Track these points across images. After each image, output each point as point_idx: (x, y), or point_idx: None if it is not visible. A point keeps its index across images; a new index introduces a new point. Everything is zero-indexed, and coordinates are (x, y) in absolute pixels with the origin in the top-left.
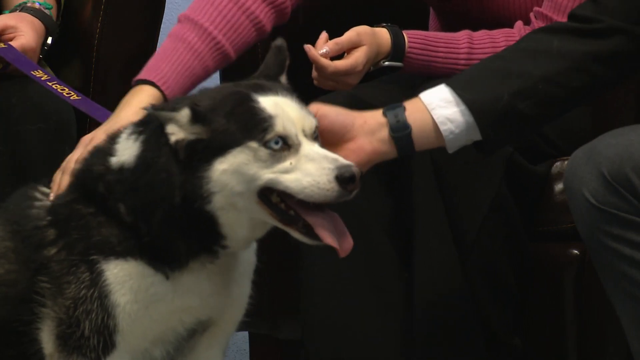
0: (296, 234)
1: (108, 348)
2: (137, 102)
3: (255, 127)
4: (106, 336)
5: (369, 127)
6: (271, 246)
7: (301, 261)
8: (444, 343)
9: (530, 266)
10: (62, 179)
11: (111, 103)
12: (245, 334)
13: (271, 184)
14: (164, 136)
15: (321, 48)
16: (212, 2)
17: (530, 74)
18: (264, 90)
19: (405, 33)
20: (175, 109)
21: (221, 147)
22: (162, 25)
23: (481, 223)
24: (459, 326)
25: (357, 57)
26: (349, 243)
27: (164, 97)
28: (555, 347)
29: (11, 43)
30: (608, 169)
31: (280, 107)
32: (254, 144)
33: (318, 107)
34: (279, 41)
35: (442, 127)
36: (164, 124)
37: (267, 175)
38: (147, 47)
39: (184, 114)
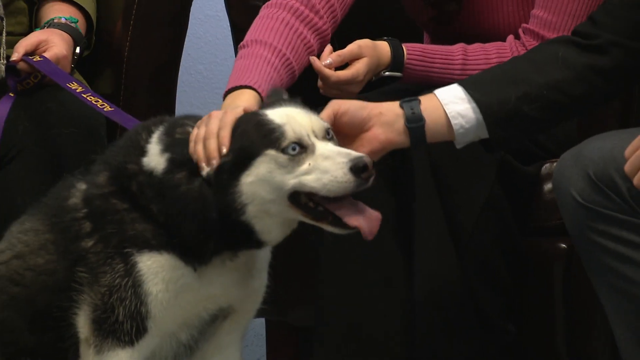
0: (328, 227)
1: (140, 332)
2: (243, 101)
3: (268, 136)
4: (139, 321)
5: (385, 118)
6: (286, 242)
7: (315, 256)
8: (443, 329)
9: (522, 259)
10: (210, 145)
11: (139, 109)
12: (263, 320)
13: (297, 188)
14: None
15: (325, 59)
16: (270, 27)
17: (536, 81)
18: (272, 105)
19: (404, 46)
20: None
21: (244, 161)
22: (186, 39)
23: (476, 219)
24: (456, 313)
25: (358, 68)
26: (375, 224)
27: (261, 98)
28: (546, 332)
29: (45, 54)
30: (594, 170)
31: (287, 115)
32: (272, 152)
33: (340, 104)
34: (278, 89)
35: (453, 121)
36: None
37: (292, 180)
38: (172, 59)
39: None
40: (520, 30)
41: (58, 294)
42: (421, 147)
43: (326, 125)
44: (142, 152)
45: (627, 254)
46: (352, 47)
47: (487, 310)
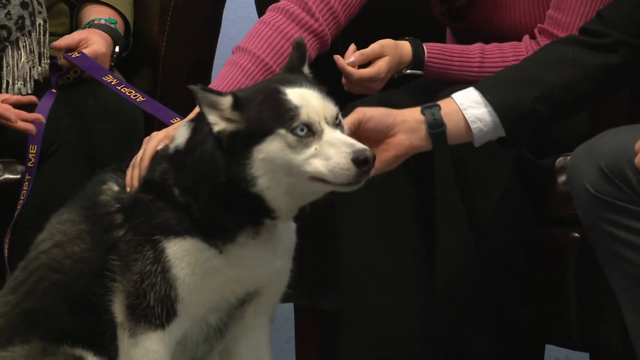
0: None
1: (171, 316)
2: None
3: (283, 115)
4: (169, 305)
5: (409, 125)
6: (312, 227)
7: (339, 243)
8: (461, 314)
9: (537, 248)
10: (133, 174)
11: (175, 105)
12: (291, 305)
13: (312, 174)
14: (209, 125)
15: (349, 58)
16: (260, 34)
17: (548, 82)
18: (291, 83)
19: (425, 45)
20: (221, 93)
21: (256, 136)
22: (219, 39)
23: (494, 210)
24: (474, 299)
25: (380, 67)
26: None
27: None
28: (559, 317)
29: (84, 51)
30: (605, 163)
31: (305, 98)
32: (282, 131)
33: (365, 111)
34: (299, 38)
35: (472, 126)
36: (207, 114)
37: (303, 164)
38: (206, 57)
39: (228, 100)
40: (536, 30)
41: (94, 281)
42: (443, 150)
43: (337, 111)
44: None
45: (637, 242)
46: (375, 46)
47: (503, 296)
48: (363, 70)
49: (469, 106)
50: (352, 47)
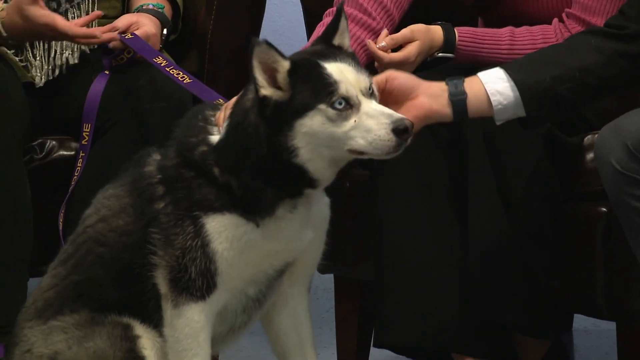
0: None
1: (211, 288)
2: None
3: (323, 91)
4: (209, 278)
5: (432, 90)
6: (352, 199)
7: (377, 216)
8: (494, 284)
9: (567, 221)
10: (225, 114)
11: (221, 86)
12: (331, 276)
13: (350, 147)
14: (249, 100)
15: (380, 42)
16: None
17: (570, 64)
18: (327, 57)
19: (456, 29)
20: (283, 55)
21: (299, 110)
22: (263, 22)
23: (525, 185)
24: (507, 270)
25: (409, 51)
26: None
27: None
28: (587, 288)
29: (136, 32)
30: (631, 141)
31: (343, 73)
32: (323, 106)
33: (392, 72)
34: (339, 5)
35: (492, 98)
36: (256, 74)
37: (339, 134)
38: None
39: (287, 64)
40: (563, 15)
41: (137, 253)
42: (462, 119)
43: (371, 81)
44: (204, 131)
45: None
46: (405, 31)
47: (534, 267)
48: (393, 54)
49: (491, 81)
50: (384, 32)
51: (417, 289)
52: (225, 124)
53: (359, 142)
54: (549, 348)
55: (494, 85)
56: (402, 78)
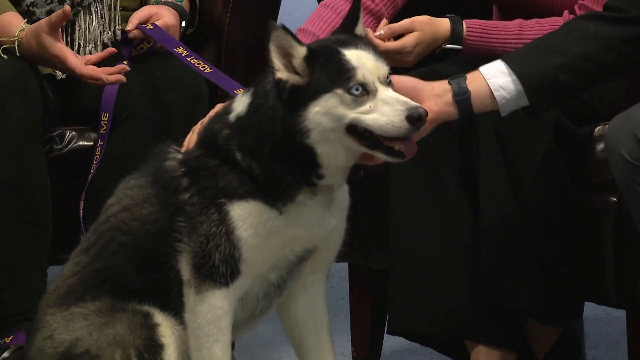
0: (380, 155)
1: (234, 274)
2: None
3: (341, 76)
4: (233, 265)
5: (436, 91)
6: (366, 189)
7: (391, 205)
8: (505, 272)
9: (577, 210)
10: (191, 138)
11: (237, 77)
12: (346, 264)
13: (355, 122)
14: (270, 83)
15: (379, 31)
16: (321, 16)
17: (571, 52)
18: (347, 44)
19: (465, 22)
20: (300, 42)
21: (315, 93)
22: (278, 16)
23: (535, 174)
24: (517, 258)
25: (406, 41)
26: (412, 151)
27: None
28: (597, 275)
29: (156, 23)
30: None
31: (361, 60)
32: (339, 91)
33: (392, 77)
34: None
35: (496, 93)
36: (273, 57)
37: (352, 115)
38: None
39: (303, 50)
40: (576, 7)
41: (161, 241)
42: (468, 117)
43: (388, 70)
44: (226, 114)
45: None
46: (406, 21)
47: (544, 255)
48: (389, 43)
49: (494, 76)
50: (384, 21)
51: (429, 278)
52: (246, 102)
53: (367, 122)
54: (559, 335)
55: (497, 80)
56: (404, 81)
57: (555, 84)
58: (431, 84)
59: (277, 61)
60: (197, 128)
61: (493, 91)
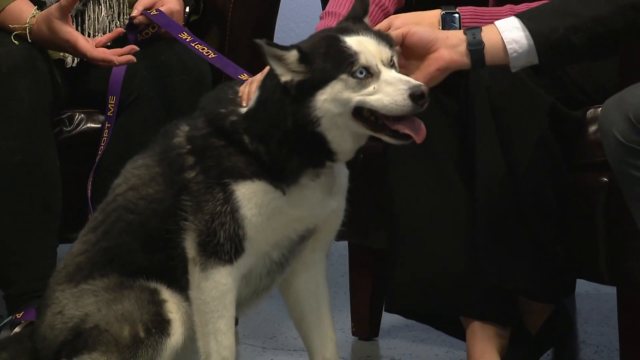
0: (385, 138)
1: (238, 252)
2: None
3: (344, 62)
4: (237, 243)
5: (450, 41)
6: (365, 172)
7: (390, 187)
8: (501, 251)
9: (570, 190)
10: (250, 89)
11: (241, 61)
12: (346, 243)
13: (360, 104)
14: (277, 78)
15: None
16: (342, 3)
17: (583, 14)
18: (349, 31)
19: (458, 8)
20: (287, 47)
21: (321, 83)
22: (280, 2)
23: (530, 156)
24: (513, 236)
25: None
26: (423, 134)
27: None
28: (589, 253)
29: (161, 9)
30: (633, 114)
31: (363, 44)
32: (344, 76)
33: (409, 27)
34: None
35: (508, 46)
36: (273, 66)
37: (357, 97)
38: (268, 18)
39: (293, 54)
40: None
41: (166, 219)
42: (481, 68)
43: (392, 53)
44: (233, 103)
45: None
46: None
47: (539, 235)
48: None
49: (507, 30)
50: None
51: (425, 257)
52: (256, 95)
53: (372, 103)
54: (552, 311)
55: (510, 34)
56: (420, 33)
57: (566, 44)
58: (446, 33)
59: (277, 68)
60: (257, 78)
61: (506, 44)
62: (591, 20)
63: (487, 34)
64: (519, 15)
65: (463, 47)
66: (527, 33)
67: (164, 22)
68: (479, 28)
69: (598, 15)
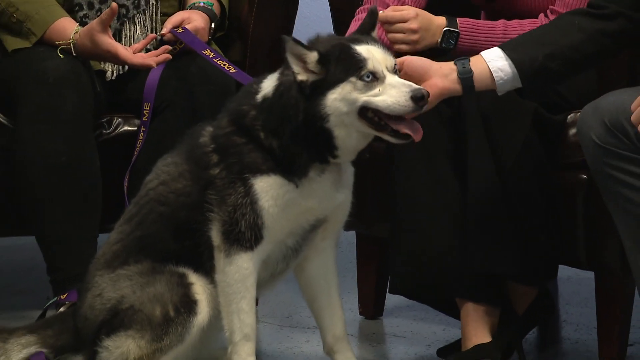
0: (387, 137)
1: (258, 239)
2: None
3: (354, 66)
4: (256, 231)
5: (442, 70)
6: (371, 169)
7: (392, 181)
8: (491, 241)
9: (552, 187)
10: None
11: (260, 73)
12: (354, 232)
13: (366, 104)
14: (292, 75)
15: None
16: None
17: (559, 42)
18: (359, 41)
19: (458, 19)
20: (309, 47)
21: (332, 84)
22: (296, 18)
23: (516, 156)
24: (501, 227)
25: (407, 11)
26: (420, 134)
27: None
28: (570, 242)
29: (187, 27)
30: (608, 119)
31: (370, 52)
32: (353, 79)
33: (405, 57)
34: (373, 7)
35: (495, 74)
36: (292, 64)
37: (363, 98)
38: (285, 34)
39: (314, 55)
40: (548, 11)
41: (194, 211)
42: (471, 93)
43: (395, 61)
44: (255, 94)
45: (634, 183)
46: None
47: (524, 226)
48: (390, 13)
49: (493, 59)
50: (390, 7)
51: (424, 245)
52: (274, 85)
53: (377, 103)
54: (537, 294)
55: (496, 63)
56: (416, 62)
57: (545, 70)
58: (439, 64)
59: (295, 67)
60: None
61: (492, 72)
62: (567, 48)
63: (475, 64)
64: (502, 47)
65: (454, 76)
66: (510, 62)
67: (189, 39)
68: (467, 58)
69: (572, 42)
